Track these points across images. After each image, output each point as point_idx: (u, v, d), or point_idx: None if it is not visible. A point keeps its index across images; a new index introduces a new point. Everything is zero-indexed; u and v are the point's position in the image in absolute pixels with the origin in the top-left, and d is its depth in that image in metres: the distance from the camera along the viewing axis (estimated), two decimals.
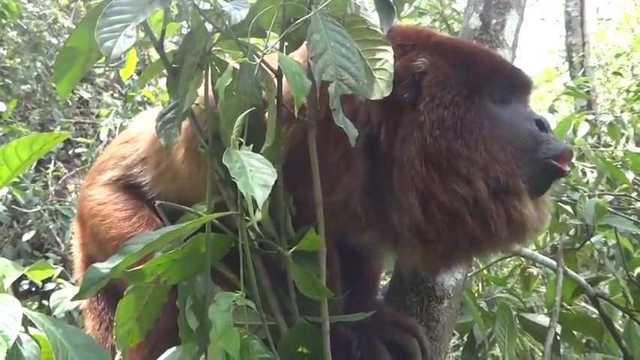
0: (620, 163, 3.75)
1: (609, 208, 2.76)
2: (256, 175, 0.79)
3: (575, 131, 3.91)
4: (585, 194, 1.97)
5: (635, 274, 1.91)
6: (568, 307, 2.26)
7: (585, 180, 3.44)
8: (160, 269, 1.00)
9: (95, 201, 1.52)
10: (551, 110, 4.26)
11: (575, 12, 6.66)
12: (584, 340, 2.90)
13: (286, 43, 1.07)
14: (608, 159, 3.55)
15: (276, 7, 0.99)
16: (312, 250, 1.04)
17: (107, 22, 0.95)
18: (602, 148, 3.96)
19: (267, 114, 1.03)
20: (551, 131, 1.28)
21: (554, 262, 1.87)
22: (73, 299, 0.86)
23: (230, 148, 0.86)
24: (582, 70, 5.99)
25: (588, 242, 2.35)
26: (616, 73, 7.92)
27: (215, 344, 0.89)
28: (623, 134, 4.18)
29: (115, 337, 1.05)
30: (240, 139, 0.90)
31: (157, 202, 1.16)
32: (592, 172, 3.41)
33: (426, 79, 1.21)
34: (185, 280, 1.05)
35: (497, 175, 1.18)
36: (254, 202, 0.76)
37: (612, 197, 3.13)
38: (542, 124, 1.26)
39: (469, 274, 2.38)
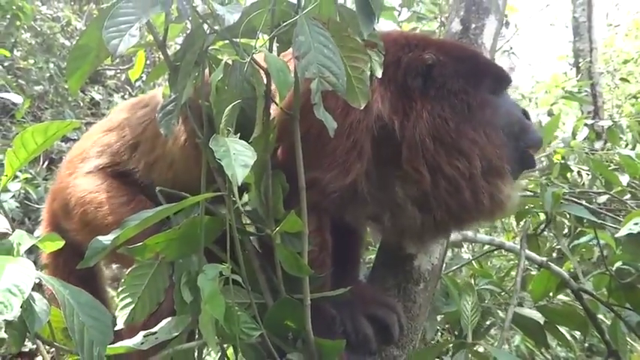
0: (617, 166, 3.80)
1: (602, 210, 2.85)
2: (239, 157, 0.90)
3: (574, 135, 3.98)
4: (545, 184, 2.10)
5: (614, 269, 1.99)
6: (554, 301, 2.33)
7: (581, 182, 3.52)
8: (158, 247, 1.11)
9: (85, 189, 1.58)
10: (550, 114, 4.33)
11: (583, 17, 6.66)
12: (586, 345, 2.96)
13: (277, 44, 1.17)
14: (606, 162, 3.61)
15: (265, 10, 1.10)
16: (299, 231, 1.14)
17: (114, 23, 1.05)
18: (600, 152, 4.01)
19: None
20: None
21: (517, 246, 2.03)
22: (78, 267, 0.96)
23: (217, 135, 0.97)
24: (580, 75, 6.03)
25: (577, 242, 2.46)
26: (623, 79, 7.94)
27: (204, 310, 0.99)
28: (621, 138, 4.25)
29: (117, 312, 1.15)
30: (229, 128, 1.00)
31: (158, 188, 1.26)
32: (588, 174, 3.49)
33: (436, 71, 1.40)
34: (181, 257, 1.15)
35: (491, 156, 1.37)
36: (235, 179, 0.86)
37: (605, 199, 3.20)
38: (527, 113, 1.47)
39: (459, 266, 2.47)
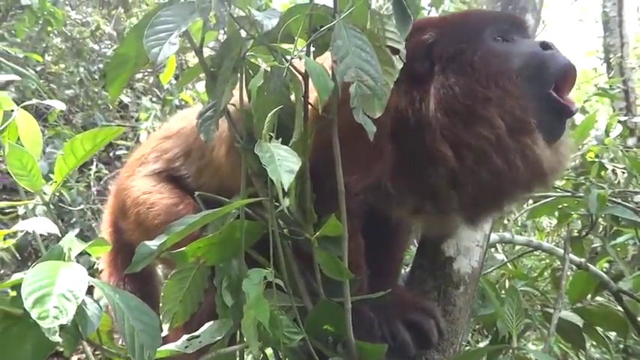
0: None
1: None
2: (283, 163, 0.90)
3: (607, 132, 3.90)
4: (588, 186, 2.06)
5: None
6: (592, 302, 2.29)
7: (616, 180, 3.44)
8: (199, 251, 1.13)
9: (140, 190, 1.65)
10: (583, 112, 4.25)
11: (614, 12, 6.52)
12: (621, 346, 2.90)
13: (314, 49, 1.18)
14: None
15: (303, 15, 1.10)
16: (336, 235, 1.14)
17: (154, 32, 1.07)
18: (634, 149, 3.92)
19: None
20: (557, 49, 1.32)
21: (561, 250, 1.98)
22: (126, 272, 0.99)
23: (261, 141, 0.98)
24: (613, 72, 5.90)
25: (614, 242, 2.41)
26: None
27: (248, 314, 1.00)
28: None
29: (161, 316, 1.17)
30: (271, 134, 1.01)
31: (197, 192, 1.28)
32: (623, 172, 3.41)
33: (436, 46, 1.33)
34: (222, 262, 1.17)
35: (513, 109, 1.24)
36: (281, 185, 0.87)
37: None
38: (546, 45, 1.32)
39: (496, 267, 2.44)
